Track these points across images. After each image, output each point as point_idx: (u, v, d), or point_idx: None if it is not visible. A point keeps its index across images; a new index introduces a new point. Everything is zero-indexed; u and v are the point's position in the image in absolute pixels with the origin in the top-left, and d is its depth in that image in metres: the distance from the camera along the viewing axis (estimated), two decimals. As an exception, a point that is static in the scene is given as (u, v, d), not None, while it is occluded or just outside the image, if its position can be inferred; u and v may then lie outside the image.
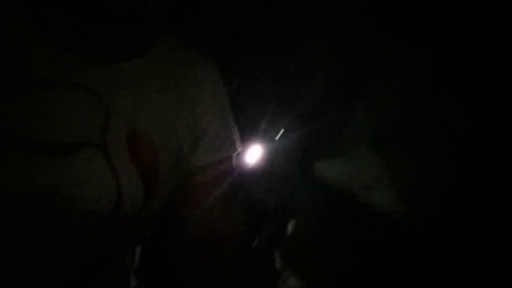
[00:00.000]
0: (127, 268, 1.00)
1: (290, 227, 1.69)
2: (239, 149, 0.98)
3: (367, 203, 1.54)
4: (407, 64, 1.46)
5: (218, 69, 0.96)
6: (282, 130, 1.61)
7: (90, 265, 0.85)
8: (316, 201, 1.61)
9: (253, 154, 1.72)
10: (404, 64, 1.46)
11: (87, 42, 0.83)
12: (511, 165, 1.32)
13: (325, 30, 1.55)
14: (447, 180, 1.41)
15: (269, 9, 1.53)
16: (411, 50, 1.44)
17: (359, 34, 1.52)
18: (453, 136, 1.39)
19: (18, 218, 0.79)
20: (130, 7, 0.82)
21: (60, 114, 0.80)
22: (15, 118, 0.79)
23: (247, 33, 1.53)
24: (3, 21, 0.82)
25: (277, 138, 1.61)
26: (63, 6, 0.82)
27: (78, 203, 0.80)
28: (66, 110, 0.81)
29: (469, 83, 1.34)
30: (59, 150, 0.79)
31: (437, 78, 1.40)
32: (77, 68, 0.83)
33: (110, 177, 0.81)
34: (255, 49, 1.56)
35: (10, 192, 0.77)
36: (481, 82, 1.33)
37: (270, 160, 1.63)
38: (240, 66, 1.48)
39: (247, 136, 1.62)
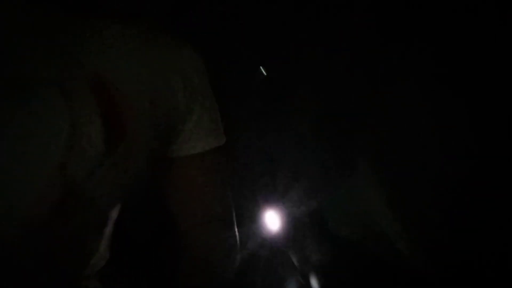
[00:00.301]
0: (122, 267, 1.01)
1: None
2: (223, 141, 0.99)
3: (383, 250, 1.56)
4: (407, 64, 1.46)
5: (205, 64, 0.97)
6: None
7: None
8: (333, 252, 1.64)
9: (270, 218, 1.79)
10: (404, 65, 1.47)
11: None
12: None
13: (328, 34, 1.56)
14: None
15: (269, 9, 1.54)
16: (411, 50, 1.44)
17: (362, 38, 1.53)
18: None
19: None
20: None
21: (22, 52, 0.81)
22: None
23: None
24: None
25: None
26: None
27: (34, 139, 0.79)
28: (30, 50, 0.81)
29: (469, 83, 1.34)
30: (18, 86, 0.79)
31: (437, 78, 1.40)
32: (48, 18, 0.83)
33: (68, 116, 0.81)
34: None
35: None
36: (481, 82, 1.33)
37: (286, 218, 1.67)
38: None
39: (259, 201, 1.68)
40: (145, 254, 1.24)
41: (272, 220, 1.71)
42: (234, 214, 1.01)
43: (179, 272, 0.96)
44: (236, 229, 1.00)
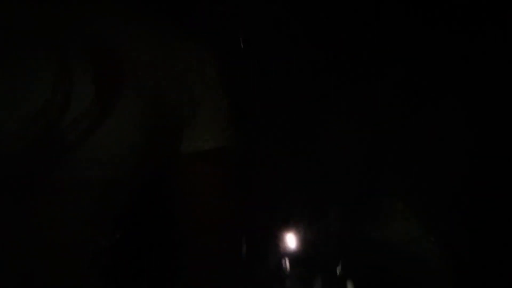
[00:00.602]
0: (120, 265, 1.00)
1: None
2: (234, 141, 0.99)
3: (416, 256, 1.57)
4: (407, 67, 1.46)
5: (222, 63, 0.98)
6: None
7: None
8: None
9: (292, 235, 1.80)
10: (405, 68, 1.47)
11: None
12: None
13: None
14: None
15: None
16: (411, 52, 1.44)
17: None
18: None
19: None
20: None
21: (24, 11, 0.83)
22: None
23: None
24: None
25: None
26: None
27: (18, 80, 0.81)
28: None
29: (469, 85, 1.34)
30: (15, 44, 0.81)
31: (437, 80, 1.40)
32: None
33: (54, 64, 0.82)
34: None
35: None
36: (481, 83, 1.33)
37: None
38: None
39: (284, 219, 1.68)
40: (146, 255, 1.23)
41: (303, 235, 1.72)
42: (239, 218, 1.00)
43: (180, 274, 0.96)
44: (240, 234, 0.99)
